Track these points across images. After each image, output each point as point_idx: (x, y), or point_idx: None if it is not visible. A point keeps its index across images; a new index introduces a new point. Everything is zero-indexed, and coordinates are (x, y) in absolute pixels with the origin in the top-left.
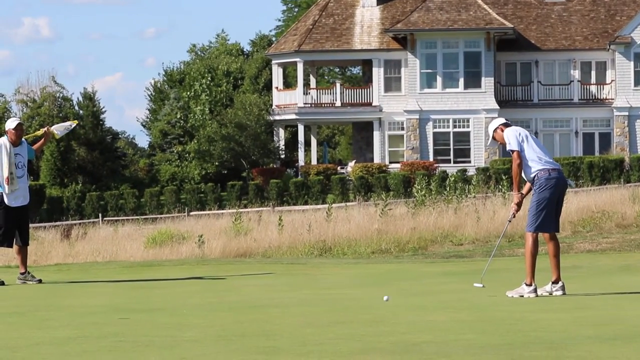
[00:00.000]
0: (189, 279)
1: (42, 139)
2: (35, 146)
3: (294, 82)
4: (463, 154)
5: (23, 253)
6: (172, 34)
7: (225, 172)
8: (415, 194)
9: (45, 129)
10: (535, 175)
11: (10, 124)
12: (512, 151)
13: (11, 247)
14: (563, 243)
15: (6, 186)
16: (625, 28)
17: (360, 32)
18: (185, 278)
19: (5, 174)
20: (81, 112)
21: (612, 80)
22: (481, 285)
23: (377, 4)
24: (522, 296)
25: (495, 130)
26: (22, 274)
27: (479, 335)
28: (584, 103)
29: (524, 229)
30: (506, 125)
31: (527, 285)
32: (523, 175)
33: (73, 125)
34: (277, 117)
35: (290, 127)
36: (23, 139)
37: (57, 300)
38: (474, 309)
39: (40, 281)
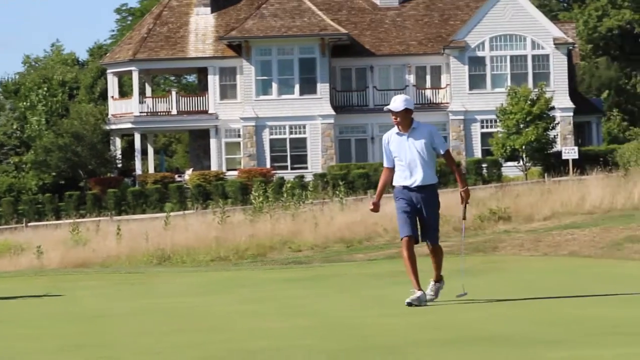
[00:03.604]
0: (28, 290)
1: None
2: None
3: (129, 91)
4: (300, 160)
5: None
6: (7, 45)
7: (63, 182)
8: (253, 201)
9: None
10: (436, 183)
11: None
12: (448, 150)
13: None
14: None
15: None
16: (459, 32)
17: (195, 40)
18: (24, 289)
19: None
20: None
21: (447, 85)
22: (464, 293)
23: (211, 12)
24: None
25: (408, 110)
26: None
27: (318, 340)
28: (419, 107)
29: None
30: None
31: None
32: (425, 175)
33: None
34: (113, 127)
35: (127, 136)
36: None
37: None
38: (314, 314)
39: None
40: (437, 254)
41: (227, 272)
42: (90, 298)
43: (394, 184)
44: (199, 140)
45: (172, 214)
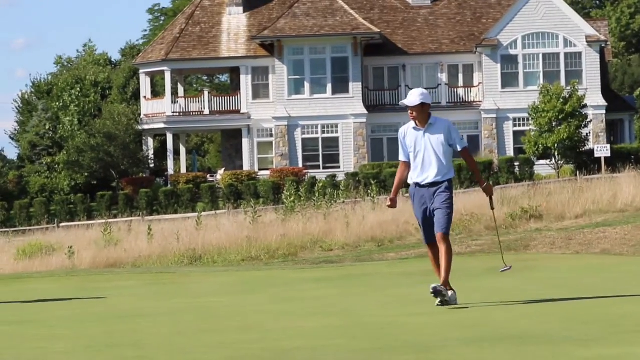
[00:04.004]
0: (59, 290)
1: None
2: None
3: (162, 91)
4: (332, 159)
5: None
6: (41, 45)
7: (95, 182)
8: (285, 200)
9: None
10: (451, 179)
11: None
12: (466, 147)
13: None
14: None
15: None
16: (492, 30)
17: (227, 39)
18: (55, 289)
19: None
20: None
21: (479, 83)
22: (508, 268)
23: (244, 12)
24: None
25: (425, 104)
26: None
27: (349, 340)
28: (452, 106)
29: (437, 232)
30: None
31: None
32: (439, 172)
33: None
34: (145, 127)
35: (159, 136)
36: None
37: None
38: (345, 314)
39: None
40: (444, 247)
41: (258, 272)
42: (121, 298)
43: (408, 181)
44: (232, 140)
45: (203, 213)
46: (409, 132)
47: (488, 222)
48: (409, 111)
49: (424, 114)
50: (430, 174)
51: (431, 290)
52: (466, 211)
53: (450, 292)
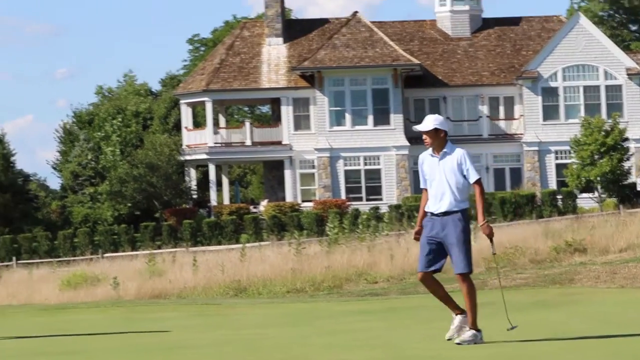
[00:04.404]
0: (104, 321)
1: None
2: None
3: (203, 122)
4: (375, 191)
5: None
6: (82, 75)
7: (138, 213)
8: (329, 232)
9: None
10: (465, 209)
11: None
12: (479, 179)
13: None
14: (477, 280)
15: None
16: (532, 63)
17: (268, 70)
18: (101, 320)
19: None
20: None
21: (520, 115)
22: (511, 327)
23: (284, 42)
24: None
25: (439, 130)
26: None
27: None
28: (493, 138)
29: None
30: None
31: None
32: (451, 202)
33: None
34: (187, 157)
35: (202, 166)
36: None
37: None
38: (389, 347)
39: None
40: (465, 287)
41: (303, 304)
42: (167, 329)
43: (425, 209)
44: (274, 171)
45: (247, 245)
46: (426, 159)
47: (532, 256)
48: (424, 137)
49: (438, 141)
50: (443, 204)
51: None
52: (510, 244)
53: (471, 332)
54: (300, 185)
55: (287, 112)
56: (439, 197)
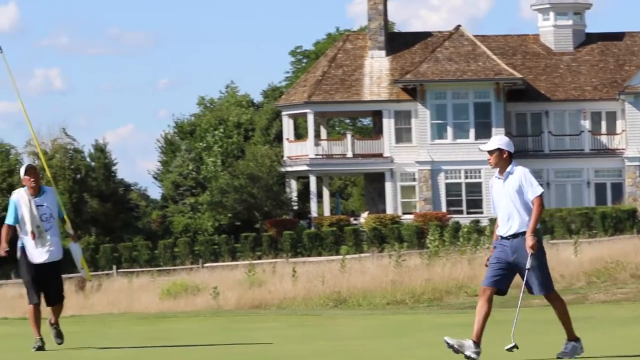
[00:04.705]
0: (204, 331)
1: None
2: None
3: (304, 133)
4: (475, 204)
5: (54, 310)
6: (184, 86)
7: (239, 223)
8: (429, 245)
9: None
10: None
11: (22, 171)
12: (538, 196)
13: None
14: (577, 294)
15: (32, 241)
16: (635, 78)
17: (370, 83)
18: (201, 329)
19: (29, 228)
20: (92, 163)
21: (622, 131)
22: (513, 345)
23: (386, 55)
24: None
25: (502, 150)
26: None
27: None
28: (595, 153)
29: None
30: (512, 155)
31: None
32: (519, 223)
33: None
34: (288, 169)
35: (302, 178)
36: (46, 187)
37: (72, 352)
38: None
39: (40, 348)
40: (555, 306)
41: (403, 316)
42: (267, 339)
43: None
44: (374, 183)
45: (347, 256)
46: (494, 182)
47: (633, 270)
48: (488, 157)
49: (502, 162)
50: (511, 225)
51: (455, 348)
52: (611, 259)
53: (571, 344)
54: (400, 198)
55: (388, 125)
56: (507, 219)
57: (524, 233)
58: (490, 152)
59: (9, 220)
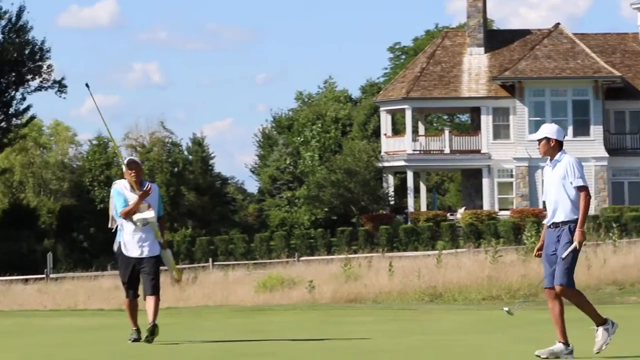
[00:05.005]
0: (300, 324)
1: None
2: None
3: (402, 129)
4: None
5: (149, 306)
6: (282, 80)
7: (335, 217)
8: (526, 241)
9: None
10: (574, 220)
11: (124, 165)
12: (581, 186)
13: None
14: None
15: (130, 235)
16: None
17: (468, 79)
18: (296, 323)
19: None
20: (190, 157)
21: None
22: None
23: (485, 52)
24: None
25: (549, 139)
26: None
27: None
28: None
29: (553, 283)
30: (561, 143)
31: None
32: (564, 213)
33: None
34: (386, 164)
35: (399, 173)
36: (146, 183)
37: (168, 345)
38: (583, 356)
39: (137, 340)
40: (569, 299)
41: (499, 311)
42: (362, 333)
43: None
44: (471, 179)
45: (444, 251)
46: (545, 170)
47: None
48: (538, 146)
49: (549, 150)
50: (558, 214)
51: (544, 355)
52: None
53: (600, 331)
54: (497, 194)
55: (486, 121)
56: (553, 207)
57: (565, 223)
58: (539, 141)
59: (120, 206)
